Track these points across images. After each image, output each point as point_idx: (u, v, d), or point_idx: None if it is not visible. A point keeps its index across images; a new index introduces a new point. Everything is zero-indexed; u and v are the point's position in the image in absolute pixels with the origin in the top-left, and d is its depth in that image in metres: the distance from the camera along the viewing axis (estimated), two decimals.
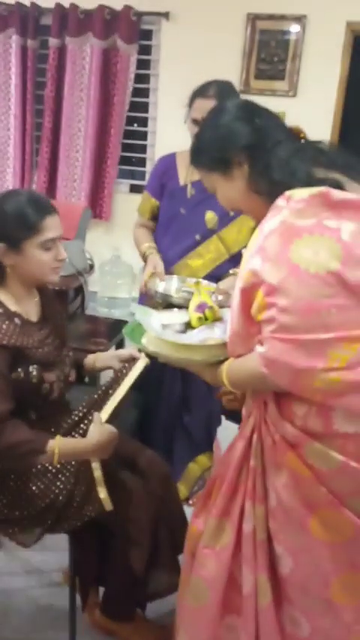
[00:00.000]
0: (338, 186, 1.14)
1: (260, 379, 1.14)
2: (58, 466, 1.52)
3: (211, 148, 1.30)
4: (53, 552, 2.11)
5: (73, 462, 1.53)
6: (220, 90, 2.00)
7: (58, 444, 1.44)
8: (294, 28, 3.82)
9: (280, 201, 1.14)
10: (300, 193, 1.11)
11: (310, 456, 1.16)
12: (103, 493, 1.46)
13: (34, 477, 1.53)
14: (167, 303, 1.92)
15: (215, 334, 1.38)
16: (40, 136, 4.41)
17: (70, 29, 4.12)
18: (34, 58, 4.32)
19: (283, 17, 3.81)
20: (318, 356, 1.06)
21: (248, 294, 1.15)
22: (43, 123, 4.35)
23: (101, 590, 1.77)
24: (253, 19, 3.84)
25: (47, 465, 1.51)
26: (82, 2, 4.06)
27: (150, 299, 2.04)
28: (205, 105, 1.92)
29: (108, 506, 1.46)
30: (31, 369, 1.50)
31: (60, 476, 1.53)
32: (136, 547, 1.53)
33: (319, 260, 1.06)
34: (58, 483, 1.53)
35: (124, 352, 1.71)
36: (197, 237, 2.09)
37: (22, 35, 4.27)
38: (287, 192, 1.13)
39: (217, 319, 1.45)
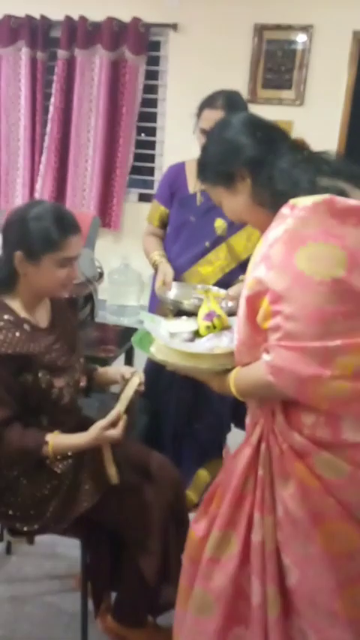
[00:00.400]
0: (342, 194, 1.14)
1: (267, 388, 1.14)
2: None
3: (215, 163, 1.32)
4: (64, 558, 2.12)
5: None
6: (228, 100, 2.02)
7: (52, 447, 1.47)
8: (300, 37, 3.85)
9: (284, 210, 1.14)
10: (304, 201, 1.11)
11: (319, 466, 1.16)
12: (112, 469, 1.49)
13: (45, 481, 1.55)
14: (178, 310, 1.93)
15: (223, 343, 1.38)
16: (49, 146, 4.46)
17: (79, 41, 4.17)
18: (43, 69, 4.38)
19: (289, 27, 3.84)
20: (324, 364, 1.05)
21: (253, 302, 1.15)
22: (51, 133, 4.40)
23: (113, 595, 1.78)
24: (260, 29, 3.88)
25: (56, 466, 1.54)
26: (90, 14, 4.12)
27: (161, 306, 2.06)
28: (213, 115, 1.94)
29: (114, 479, 1.50)
30: (40, 374, 1.51)
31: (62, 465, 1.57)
32: (148, 553, 1.53)
33: (324, 267, 1.06)
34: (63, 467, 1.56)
35: (125, 369, 1.71)
36: (207, 244, 2.11)
37: (31, 47, 4.33)
38: (291, 201, 1.13)
39: (226, 328, 1.46)
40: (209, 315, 1.47)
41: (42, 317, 1.61)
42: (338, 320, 1.05)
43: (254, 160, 1.26)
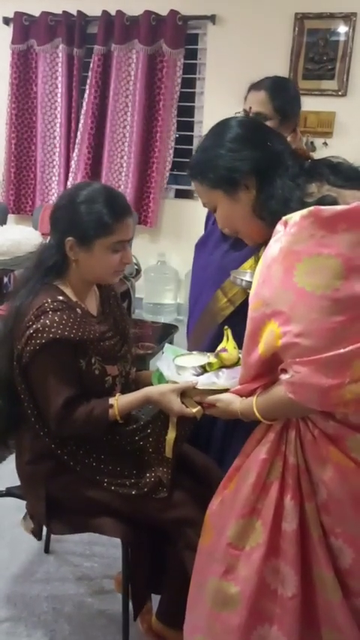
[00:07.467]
0: (333, 202, 1.14)
1: (290, 406, 1.16)
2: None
3: (220, 166, 1.27)
4: (102, 559, 2.09)
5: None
6: (274, 84, 1.94)
7: (117, 408, 1.46)
8: (343, 26, 3.74)
9: (278, 227, 1.17)
10: (293, 217, 1.13)
11: (354, 448, 1.17)
12: (171, 433, 1.46)
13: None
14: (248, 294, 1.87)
15: (220, 380, 1.43)
16: (81, 141, 4.42)
17: (116, 36, 4.15)
18: (80, 66, 4.37)
19: (331, 16, 3.74)
20: (342, 370, 1.06)
21: (258, 322, 1.17)
22: (85, 128, 4.38)
23: (153, 596, 1.72)
24: (301, 18, 3.79)
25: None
26: (128, 9, 4.09)
27: (227, 288, 1.99)
28: (256, 96, 1.89)
29: (167, 452, 1.48)
30: (93, 360, 1.47)
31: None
32: (193, 552, 1.47)
33: (323, 280, 1.07)
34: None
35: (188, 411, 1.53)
36: None
37: (68, 44, 4.32)
38: (284, 217, 1.15)
39: (226, 366, 1.48)
40: (217, 352, 1.49)
41: (92, 305, 1.58)
42: (346, 326, 1.06)
43: (264, 172, 1.24)
